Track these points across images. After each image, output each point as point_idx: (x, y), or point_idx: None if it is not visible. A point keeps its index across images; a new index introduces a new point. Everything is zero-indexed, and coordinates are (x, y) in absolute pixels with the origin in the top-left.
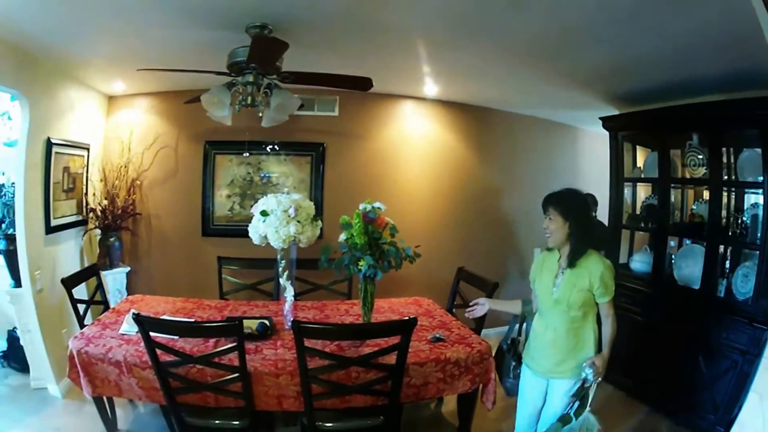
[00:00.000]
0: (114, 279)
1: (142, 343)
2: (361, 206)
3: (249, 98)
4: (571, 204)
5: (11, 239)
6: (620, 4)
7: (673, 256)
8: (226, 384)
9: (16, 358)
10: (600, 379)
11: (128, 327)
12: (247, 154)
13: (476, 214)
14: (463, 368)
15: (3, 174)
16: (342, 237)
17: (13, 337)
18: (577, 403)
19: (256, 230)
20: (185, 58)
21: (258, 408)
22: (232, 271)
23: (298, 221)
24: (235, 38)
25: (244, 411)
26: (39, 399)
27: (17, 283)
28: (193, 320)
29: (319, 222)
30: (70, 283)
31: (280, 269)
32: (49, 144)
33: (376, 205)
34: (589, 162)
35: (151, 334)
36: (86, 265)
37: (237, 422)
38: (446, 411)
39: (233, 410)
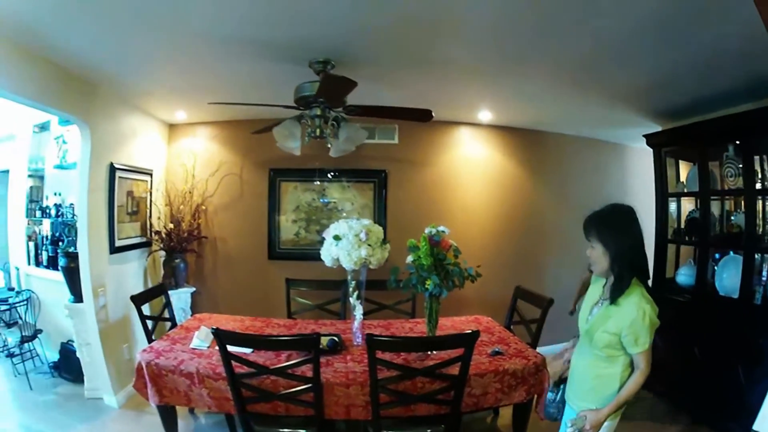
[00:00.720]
0: (179, 298)
1: (215, 357)
2: (427, 230)
3: (317, 130)
4: (613, 228)
5: (72, 257)
6: (653, 23)
7: (715, 267)
8: (299, 394)
9: (68, 369)
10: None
11: (199, 342)
12: (318, 182)
13: (530, 234)
14: (519, 379)
15: (59, 195)
16: (409, 258)
17: (66, 350)
18: None
19: (329, 253)
20: (249, 90)
21: (327, 416)
22: (300, 292)
23: (369, 245)
24: (299, 71)
25: (312, 420)
26: (93, 408)
27: (77, 299)
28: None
29: (388, 245)
30: (139, 300)
31: (350, 289)
32: (112, 168)
33: (441, 228)
34: (637, 178)
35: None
36: (149, 284)
37: (303, 430)
38: (501, 424)
39: (299, 419)
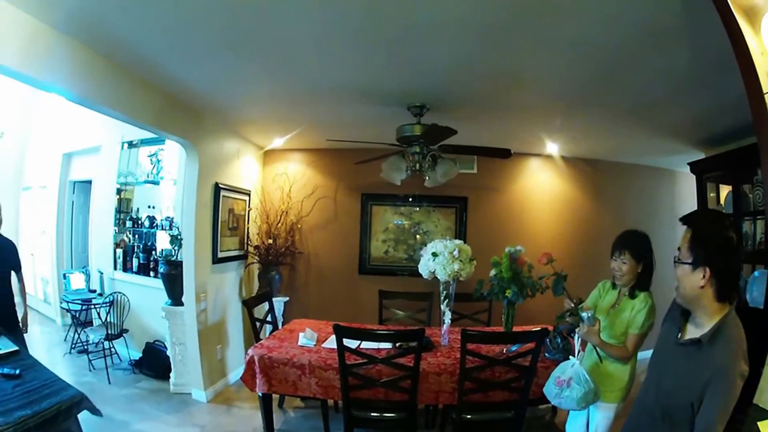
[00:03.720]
0: (264, 307)
1: (323, 352)
2: (507, 248)
3: (417, 165)
4: (644, 246)
5: (173, 265)
6: (703, 65)
7: (747, 282)
8: (399, 381)
9: (150, 366)
10: (581, 333)
11: (306, 341)
12: (417, 209)
13: (591, 253)
14: None
15: (153, 207)
16: (492, 272)
17: (151, 348)
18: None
19: (426, 267)
20: (350, 127)
21: (420, 402)
22: (389, 302)
23: (460, 260)
24: (397, 112)
25: (403, 405)
26: (180, 401)
27: (174, 302)
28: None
29: (475, 261)
30: (251, 304)
31: (442, 298)
32: (217, 188)
33: (518, 248)
34: (685, 201)
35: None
36: (244, 293)
37: (395, 414)
38: (559, 421)
39: (391, 404)
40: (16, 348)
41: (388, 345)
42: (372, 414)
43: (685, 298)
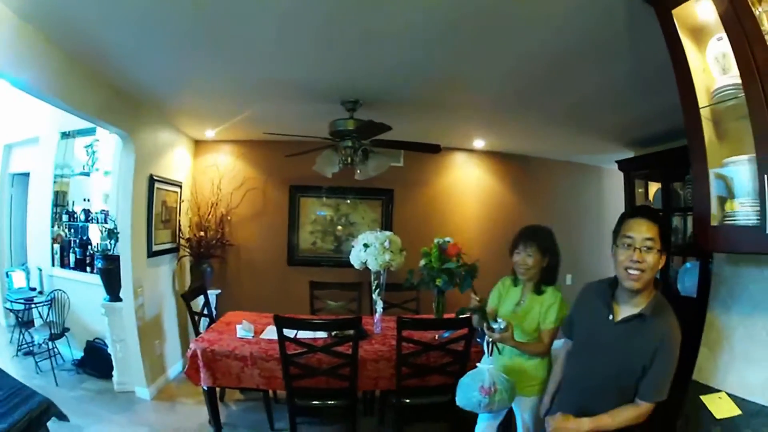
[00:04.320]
0: (200, 300)
1: (262, 343)
2: (436, 240)
3: (349, 159)
4: (549, 240)
5: (110, 259)
6: (634, 80)
7: (678, 272)
8: (339, 368)
9: (92, 365)
10: (494, 338)
11: (244, 332)
12: (348, 201)
13: None
14: None
15: (88, 201)
16: (422, 262)
17: (93, 347)
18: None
19: (358, 258)
20: (285, 120)
21: (359, 389)
22: (321, 293)
23: (392, 251)
24: (331, 108)
25: (346, 392)
26: (126, 400)
27: (112, 298)
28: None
29: (405, 252)
30: (188, 297)
31: (374, 288)
32: (152, 180)
33: (447, 239)
34: (612, 196)
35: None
36: (177, 287)
37: (336, 402)
38: None
39: (332, 392)
40: None
41: (323, 334)
42: (314, 402)
43: (645, 282)
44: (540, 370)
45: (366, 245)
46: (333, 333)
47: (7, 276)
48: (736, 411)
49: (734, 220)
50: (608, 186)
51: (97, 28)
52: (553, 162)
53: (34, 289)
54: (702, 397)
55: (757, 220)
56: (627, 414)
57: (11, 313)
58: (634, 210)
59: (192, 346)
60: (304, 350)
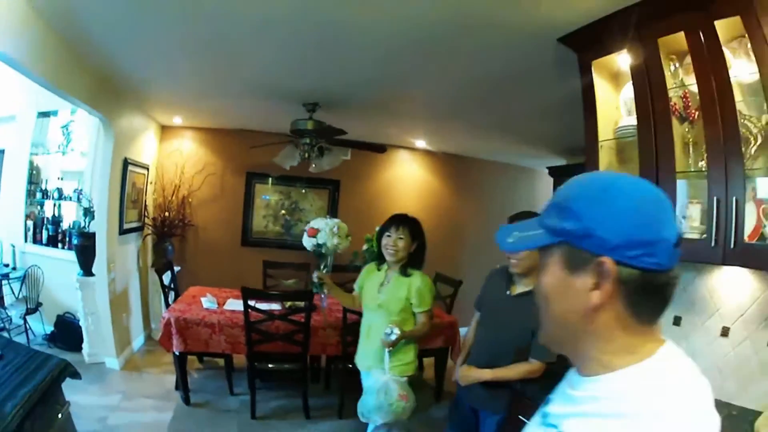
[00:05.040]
0: (166, 275)
1: (226, 313)
2: (377, 228)
3: (306, 154)
4: (419, 228)
5: (85, 236)
6: (562, 100)
7: None
8: (294, 334)
9: (63, 338)
10: (391, 346)
11: (210, 304)
12: (303, 191)
13: (451, 236)
14: (438, 330)
15: (62, 179)
16: (365, 247)
17: (63, 320)
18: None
19: (309, 241)
20: (246, 113)
21: (310, 353)
22: (273, 272)
23: (339, 236)
24: (292, 107)
25: (299, 356)
26: (97, 371)
27: (85, 273)
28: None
29: (350, 237)
30: (160, 272)
31: (321, 267)
32: (126, 163)
33: None
34: (543, 198)
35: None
36: (140, 263)
37: (291, 365)
38: (427, 377)
39: (287, 356)
40: None
41: (277, 306)
42: (271, 366)
43: (524, 268)
44: (411, 352)
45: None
46: (288, 304)
47: None
48: None
49: None
50: (539, 187)
51: (89, 12)
52: (489, 163)
53: (7, 265)
54: None
55: None
56: (521, 368)
57: None
58: (515, 216)
59: (165, 315)
60: (265, 318)
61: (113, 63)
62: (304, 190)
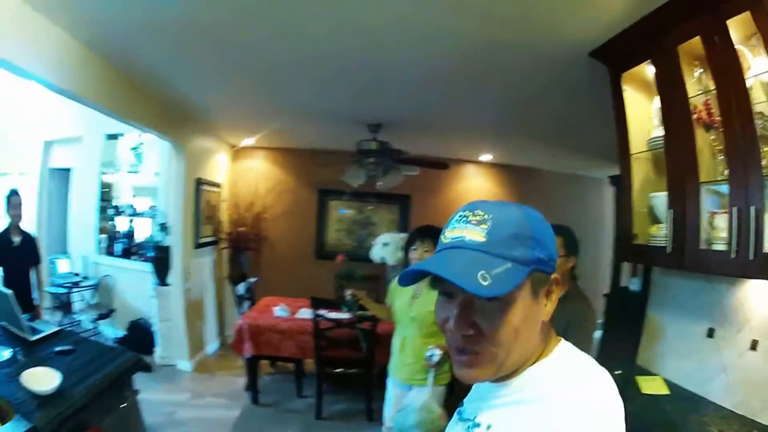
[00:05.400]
0: (242, 286)
1: (297, 321)
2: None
3: (372, 173)
4: None
5: (160, 249)
6: (598, 113)
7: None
8: (359, 342)
9: (133, 343)
10: (435, 367)
11: (282, 312)
12: (371, 207)
13: None
14: None
15: (135, 197)
16: None
17: (137, 325)
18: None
19: (378, 254)
20: (316, 136)
21: (377, 359)
22: (344, 283)
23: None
24: (357, 128)
25: (365, 362)
26: (169, 372)
27: (161, 283)
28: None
29: None
30: (234, 282)
31: (390, 279)
32: (199, 182)
33: None
34: (611, 207)
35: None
36: (216, 275)
37: (356, 370)
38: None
39: (353, 361)
40: (59, 328)
41: (348, 315)
42: (337, 370)
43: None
44: (447, 363)
45: (385, 244)
46: (357, 312)
47: (52, 262)
48: (664, 390)
49: (657, 240)
50: (607, 197)
51: (149, 55)
52: (555, 174)
53: (77, 275)
54: (638, 377)
55: (665, 242)
56: None
57: (55, 297)
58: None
59: (239, 321)
60: (333, 325)
61: (176, 91)
62: (372, 206)
